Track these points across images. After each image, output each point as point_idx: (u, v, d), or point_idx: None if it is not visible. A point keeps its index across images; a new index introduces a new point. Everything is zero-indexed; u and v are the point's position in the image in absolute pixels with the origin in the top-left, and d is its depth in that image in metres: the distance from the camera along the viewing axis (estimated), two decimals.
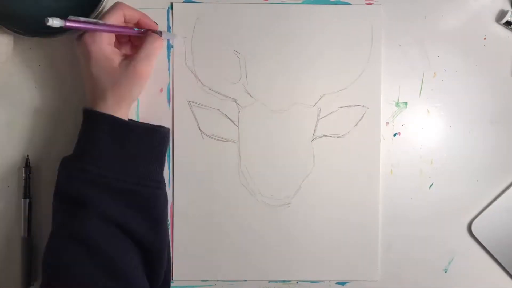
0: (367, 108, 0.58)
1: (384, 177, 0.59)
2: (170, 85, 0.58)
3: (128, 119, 0.53)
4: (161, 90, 0.58)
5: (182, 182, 0.58)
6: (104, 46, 0.51)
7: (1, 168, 0.58)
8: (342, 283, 0.59)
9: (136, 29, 0.53)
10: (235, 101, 0.58)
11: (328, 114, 0.58)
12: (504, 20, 0.58)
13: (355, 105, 0.58)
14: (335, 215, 0.59)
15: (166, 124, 0.57)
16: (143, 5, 0.57)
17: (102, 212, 0.49)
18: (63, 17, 0.47)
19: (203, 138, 0.58)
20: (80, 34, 0.52)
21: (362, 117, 0.58)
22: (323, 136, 0.58)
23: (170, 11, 0.58)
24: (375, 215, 0.59)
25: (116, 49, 0.52)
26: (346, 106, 0.58)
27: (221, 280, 0.59)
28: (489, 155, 0.59)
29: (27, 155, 0.58)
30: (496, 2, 0.59)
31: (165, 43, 0.57)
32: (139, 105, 0.58)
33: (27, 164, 0.57)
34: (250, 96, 0.58)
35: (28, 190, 0.57)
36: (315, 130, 0.58)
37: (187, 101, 0.58)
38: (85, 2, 0.54)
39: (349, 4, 0.58)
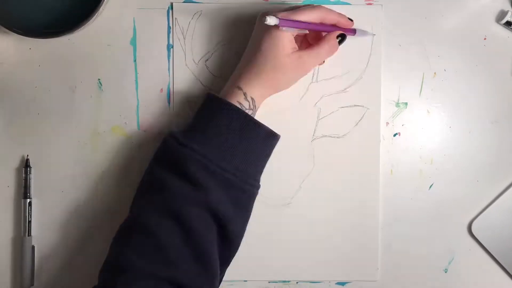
0: (367, 108, 0.58)
1: (384, 177, 0.59)
2: (170, 85, 0.58)
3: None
4: (161, 90, 0.58)
5: None
6: (288, 35, 0.51)
7: (1, 168, 0.58)
8: (342, 283, 0.59)
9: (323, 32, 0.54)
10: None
11: (328, 114, 0.58)
12: (504, 20, 0.58)
13: (355, 105, 0.58)
14: (335, 215, 0.58)
15: (166, 123, 0.57)
16: (143, 5, 0.57)
17: (209, 199, 0.49)
18: (277, 16, 0.48)
19: None
20: (265, 12, 0.52)
21: (362, 117, 0.58)
22: (323, 136, 0.58)
23: (170, 11, 0.58)
24: (375, 215, 0.59)
25: (293, 41, 0.52)
26: (346, 106, 0.58)
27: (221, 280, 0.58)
28: (489, 155, 0.59)
29: (27, 155, 0.58)
30: (496, 2, 0.59)
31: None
32: (139, 105, 0.58)
33: (27, 164, 0.57)
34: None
35: (28, 190, 0.57)
36: (315, 130, 0.58)
37: (187, 101, 0.58)
38: (85, 2, 0.54)
39: (349, 4, 0.58)
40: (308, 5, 0.53)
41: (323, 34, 0.54)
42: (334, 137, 0.58)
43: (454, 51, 0.59)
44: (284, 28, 0.49)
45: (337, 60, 0.58)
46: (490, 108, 0.59)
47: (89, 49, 0.58)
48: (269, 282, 0.59)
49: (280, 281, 0.59)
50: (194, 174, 0.49)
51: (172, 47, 0.58)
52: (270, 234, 0.58)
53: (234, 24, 0.58)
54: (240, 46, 0.57)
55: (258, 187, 0.53)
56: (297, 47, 0.53)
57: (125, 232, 0.51)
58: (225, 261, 0.52)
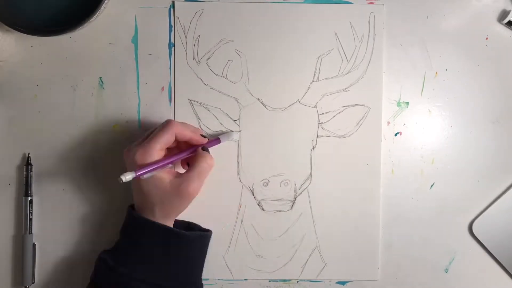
0: (368, 108, 0.58)
1: (385, 177, 0.59)
2: (172, 84, 0.58)
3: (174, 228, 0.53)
4: (163, 89, 0.58)
5: None
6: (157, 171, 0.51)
7: (2, 166, 0.58)
8: (343, 283, 0.59)
9: (170, 166, 0.53)
10: (236, 100, 0.58)
11: (329, 113, 0.58)
12: (506, 20, 0.58)
13: (356, 105, 0.58)
14: (335, 215, 0.58)
15: None
16: (145, 3, 0.57)
17: None
18: (134, 171, 0.49)
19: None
20: (129, 148, 0.52)
21: (363, 117, 0.58)
22: (324, 135, 0.58)
23: (172, 9, 0.58)
24: (376, 214, 0.59)
25: (169, 170, 0.52)
26: (347, 106, 0.58)
27: (222, 279, 0.59)
28: (491, 155, 0.59)
29: (28, 153, 0.58)
30: (498, 2, 0.59)
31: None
32: (140, 104, 0.58)
33: (28, 162, 0.57)
34: (251, 95, 0.58)
35: (29, 188, 0.57)
36: (316, 130, 0.58)
37: (188, 100, 0.58)
38: (87, 0, 0.54)
39: (351, 3, 0.58)
40: (162, 124, 0.52)
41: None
42: (335, 136, 0.58)
43: (455, 50, 0.59)
44: (144, 176, 0.49)
45: (338, 59, 0.58)
46: (491, 108, 0.59)
47: (91, 47, 0.58)
48: (269, 281, 0.59)
49: (280, 280, 0.59)
50: None
51: (174, 45, 0.58)
52: (270, 233, 0.58)
53: (236, 23, 0.58)
54: (241, 44, 0.58)
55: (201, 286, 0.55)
56: (174, 173, 0.52)
57: None
58: None
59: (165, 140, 0.51)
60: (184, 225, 0.56)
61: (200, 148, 0.54)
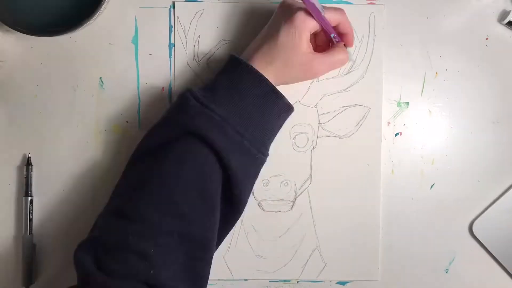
0: (368, 108, 0.58)
1: (385, 177, 0.59)
2: (172, 84, 0.58)
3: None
4: (163, 89, 0.58)
5: None
6: (306, 29, 0.50)
7: (2, 166, 0.58)
8: (343, 283, 0.59)
9: (333, 35, 0.53)
10: None
11: (330, 114, 0.58)
12: (506, 20, 0.58)
13: (356, 105, 0.58)
14: (336, 215, 0.58)
15: None
16: (145, 3, 0.57)
17: (224, 163, 0.48)
18: None
19: None
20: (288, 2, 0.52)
21: (363, 117, 0.58)
22: (324, 136, 0.58)
23: (172, 10, 0.58)
24: (376, 215, 0.59)
25: (308, 41, 0.52)
26: (348, 106, 0.58)
27: (222, 279, 0.59)
28: (491, 155, 0.59)
29: (28, 153, 0.58)
30: (498, 2, 0.59)
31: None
32: (140, 104, 0.58)
33: (28, 162, 0.57)
34: None
35: (29, 188, 0.57)
36: (316, 130, 0.58)
37: None
38: (87, 0, 0.54)
39: (351, 3, 0.58)
40: (332, 7, 0.53)
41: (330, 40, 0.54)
42: (335, 136, 0.58)
43: (456, 51, 0.59)
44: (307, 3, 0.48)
45: None
46: (491, 108, 0.59)
47: (91, 47, 0.58)
48: (269, 281, 0.59)
49: (280, 280, 0.59)
50: (211, 138, 0.47)
51: (174, 46, 0.58)
52: (270, 233, 0.58)
53: (236, 23, 0.58)
54: (241, 44, 0.58)
55: (267, 155, 0.53)
56: (312, 49, 0.52)
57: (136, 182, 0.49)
58: (226, 223, 0.51)
59: (331, 18, 0.51)
60: None
61: (342, 43, 0.54)
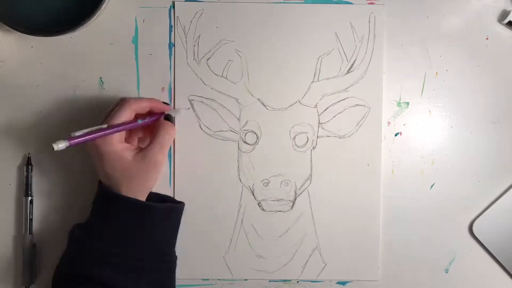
0: (368, 108, 0.58)
1: (385, 177, 0.59)
2: (172, 84, 0.58)
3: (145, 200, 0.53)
4: (163, 89, 0.58)
5: (183, 181, 0.58)
6: (115, 145, 0.50)
7: (2, 166, 0.58)
8: (343, 283, 0.59)
9: (140, 121, 0.52)
10: (237, 100, 0.58)
11: (330, 114, 0.58)
12: (506, 20, 0.58)
13: (356, 105, 0.58)
14: (336, 215, 0.58)
15: None
16: (145, 3, 0.57)
17: None
18: (67, 137, 0.47)
19: (204, 137, 0.58)
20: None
21: (363, 117, 0.58)
22: (324, 135, 0.58)
23: (172, 9, 0.58)
24: (376, 215, 0.58)
25: (127, 144, 0.52)
26: (348, 106, 0.58)
27: (222, 279, 0.59)
28: (491, 155, 0.59)
29: (29, 153, 0.58)
30: (499, 2, 0.59)
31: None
32: None
33: (28, 162, 0.57)
34: (251, 95, 0.58)
35: (29, 188, 0.57)
36: (316, 130, 0.58)
37: (189, 100, 0.58)
38: (87, 0, 0.54)
39: (351, 3, 0.58)
40: (117, 104, 0.52)
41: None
42: (335, 136, 0.58)
43: (456, 51, 0.59)
44: (76, 135, 0.48)
45: (338, 59, 0.58)
46: (491, 108, 0.59)
47: (91, 47, 0.58)
48: (269, 281, 0.59)
49: (280, 280, 0.59)
50: (100, 276, 0.49)
51: (174, 45, 0.58)
52: (270, 233, 0.58)
53: (236, 23, 0.58)
54: (241, 44, 0.58)
55: (174, 260, 0.54)
56: (136, 146, 0.52)
57: None
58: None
59: (122, 118, 0.51)
60: (158, 198, 0.55)
61: (162, 118, 0.53)
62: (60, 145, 0.47)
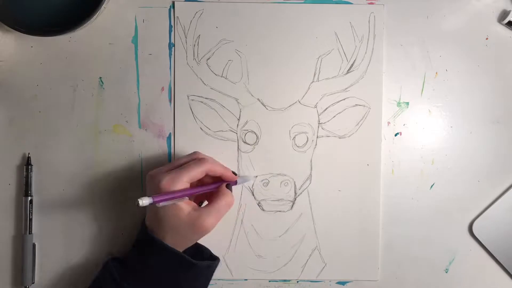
0: (368, 108, 0.58)
1: (385, 177, 0.59)
2: (172, 84, 0.58)
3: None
4: (163, 89, 0.58)
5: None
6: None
7: (2, 166, 0.58)
8: (343, 283, 0.59)
9: (212, 185, 0.53)
10: (236, 100, 0.58)
11: (330, 113, 0.58)
12: (506, 20, 0.58)
13: (356, 105, 0.58)
14: (336, 215, 0.58)
15: (167, 122, 0.58)
16: (145, 3, 0.57)
17: None
18: (152, 196, 0.48)
19: (204, 137, 0.58)
20: (156, 173, 0.51)
21: (363, 117, 0.58)
22: (324, 135, 0.58)
23: (172, 9, 0.58)
24: (376, 214, 0.59)
25: (188, 199, 0.52)
26: (348, 106, 0.58)
27: (222, 279, 0.59)
28: (491, 155, 0.59)
29: (28, 153, 0.58)
30: (498, 2, 0.59)
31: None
32: (140, 104, 0.58)
33: (28, 162, 0.57)
34: (251, 95, 0.58)
35: (29, 188, 0.57)
36: (316, 130, 0.58)
37: (189, 100, 0.58)
38: (87, 0, 0.54)
39: (351, 3, 0.58)
40: (195, 159, 0.52)
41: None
42: (335, 136, 0.58)
43: (455, 51, 0.59)
44: (160, 204, 0.48)
45: (338, 59, 0.58)
46: (491, 108, 0.59)
47: (91, 47, 0.58)
48: (269, 281, 0.59)
49: (280, 280, 0.59)
50: None
51: (174, 45, 0.58)
52: (271, 233, 0.58)
53: (236, 23, 0.58)
54: (241, 44, 0.58)
55: None
56: (193, 205, 0.52)
57: None
58: None
59: (196, 174, 0.51)
60: (193, 247, 0.55)
61: (223, 185, 0.53)
62: (145, 201, 0.47)
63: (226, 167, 0.55)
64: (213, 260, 0.55)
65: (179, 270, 0.51)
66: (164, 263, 0.51)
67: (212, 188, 0.53)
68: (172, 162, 0.53)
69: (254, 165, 0.58)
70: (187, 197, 0.50)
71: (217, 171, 0.53)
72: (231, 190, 0.54)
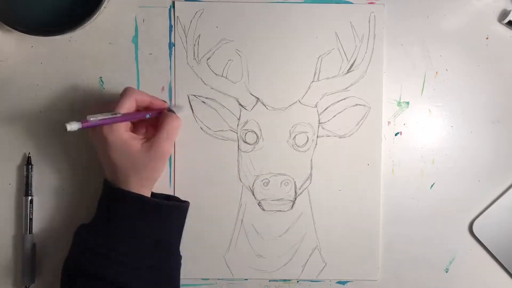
0: (368, 108, 0.58)
1: (385, 177, 0.59)
2: (172, 83, 0.58)
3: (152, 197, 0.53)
4: (163, 89, 0.58)
5: (183, 181, 0.58)
6: (122, 133, 0.51)
7: (2, 165, 0.58)
8: (343, 283, 0.59)
9: (148, 115, 0.53)
10: (237, 100, 0.58)
11: (330, 113, 0.58)
12: (506, 20, 0.58)
13: (356, 105, 0.58)
14: (336, 215, 0.58)
15: None
16: (145, 3, 0.57)
17: None
18: (80, 120, 0.47)
19: (204, 136, 0.58)
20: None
21: (363, 117, 0.58)
22: (324, 135, 0.58)
23: (172, 9, 0.58)
24: (376, 214, 0.59)
25: (134, 134, 0.52)
26: (348, 106, 0.58)
27: (222, 279, 0.59)
28: (491, 155, 0.59)
29: (29, 153, 0.58)
30: (499, 2, 0.59)
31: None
32: None
33: (28, 162, 0.57)
34: (251, 95, 0.58)
35: (29, 187, 0.57)
36: (316, 130, 0.58)
37: (189, 99, 0.58)
38: (87, 0, 0.54)
39: (351, 3, 0.58)
40: (122, 93, 0.53)
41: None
42: (335, 136, 0.58)
43: (456, 50, 0.59)
44: (91, 120, 0.48)
45: (338, 59, 0.58)
46: (491, 108, 0.59)
47: (91, 47, 0.58)
48: (269, 281, 0.59)
49: (280, 280, 0.59)
50: (107, 274, 0.49)
51: (174, 45, 0.58)
52: (271, 233, 0.58)
53: (236, 23, 0.58)
54: (241, 44, 0.58)
55: (180, 258, 0.55)
56: (142, 136, 0.52)
57: None
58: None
59: (126, 106, 0.51)
60: (163, 197, 0.55)
61: (165, 110, 0.54)
62: (73, 126, 0.47)
63: (154, 96, 0.55)
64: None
65: (148, 215, 0.51)
66: (130, 210, 0.51)
67: (142, 115, 0.53)
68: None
69: (255, 165, 0.58)
70: (119, 116, 0.50)
71: (145, 99, 0.53)
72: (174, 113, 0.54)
